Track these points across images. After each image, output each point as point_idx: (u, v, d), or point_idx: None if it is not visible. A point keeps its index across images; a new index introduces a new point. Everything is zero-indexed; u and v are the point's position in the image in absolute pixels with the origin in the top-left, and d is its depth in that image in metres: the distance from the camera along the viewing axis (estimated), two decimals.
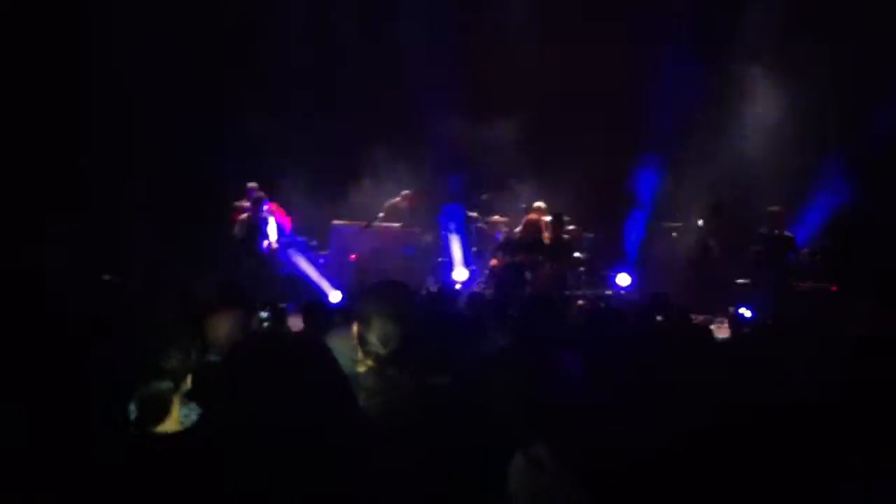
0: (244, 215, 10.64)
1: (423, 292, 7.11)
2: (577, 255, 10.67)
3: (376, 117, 12.21)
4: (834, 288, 9.14)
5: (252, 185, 10.94)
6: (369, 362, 2.61)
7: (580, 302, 9.93)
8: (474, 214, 11.98)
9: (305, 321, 5.45)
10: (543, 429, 2.23)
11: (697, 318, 7.64)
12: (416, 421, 2.19)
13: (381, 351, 2.61)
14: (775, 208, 9.61)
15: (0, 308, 2.50)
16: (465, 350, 2.64)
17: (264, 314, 6.12)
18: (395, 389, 2.37)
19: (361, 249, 11.31)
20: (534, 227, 9.76)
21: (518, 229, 10.78)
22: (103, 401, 2.11)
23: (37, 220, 10.26)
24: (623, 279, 11.10)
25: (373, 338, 2.73)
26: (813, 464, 2.42)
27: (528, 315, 3.66)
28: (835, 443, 2.50)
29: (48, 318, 2.50)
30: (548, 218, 10.47)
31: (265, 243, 10.65)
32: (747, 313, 7.93)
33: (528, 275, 9.78)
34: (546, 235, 10.00)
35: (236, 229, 10.62)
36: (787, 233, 9.50)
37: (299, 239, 11.51)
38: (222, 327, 3.71)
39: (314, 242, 11.64)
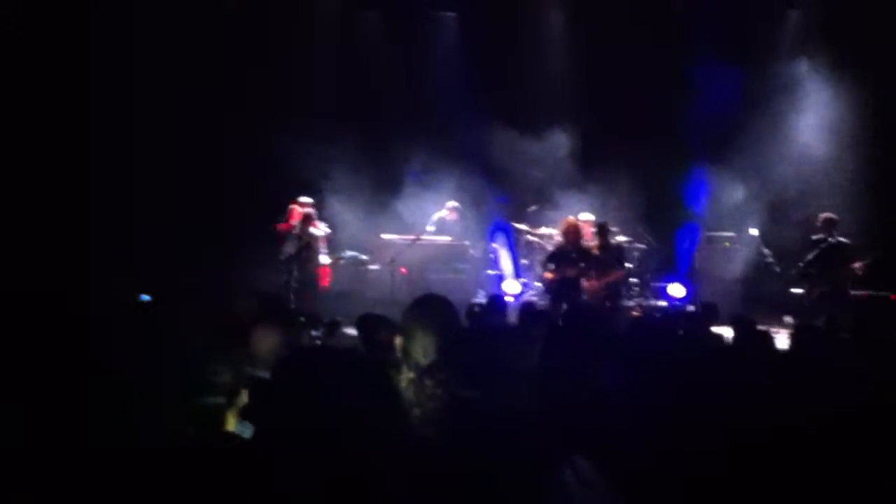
0: (294, 230, 10.48)
1: (476, 309, 7.02)
2: (627, 265, 10.55)
3: (417, 128, 12.22)
4: (893, 297, 8.89)
5: (305, 199, 10.87)
6: (410, 374, 2.65)
7: (634, 312, 9.84)
8: (523, 227, 11.94)
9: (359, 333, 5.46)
10: (581, 442, 2.22)
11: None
12: (447, 433, 2.20)
13: (423, 362, 2.65)
14: (829, 214, 9.38)
15: (22, 324, 2.56)
16: (504, 363, 2.65)
17: (315, 329, 6.19)
18: (430, 401, 2.39)
19: (411, 263, 11.31)
20: (573, 232, 9.61)
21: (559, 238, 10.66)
22: (124, 413, 2.13)
23: (36, 220, 10.33)
24: (677, 290, 10.96)
25: (415, 350, 2.77)
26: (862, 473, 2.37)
27: (570, 326, 3.64)
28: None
29: (69, 331, 2.55)
30: (593, 228, 10.37)
31: (319, 258, 10.59)
32: (801, 322, 7.75)
33: (583, 285, 9.65)
34: (594, 245, 9.88)
35: (286, 244, 10.48)
36: (842, 239, 9.24)
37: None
38: (266, 342, 3.79)
39: (364, 256, 11.63)
